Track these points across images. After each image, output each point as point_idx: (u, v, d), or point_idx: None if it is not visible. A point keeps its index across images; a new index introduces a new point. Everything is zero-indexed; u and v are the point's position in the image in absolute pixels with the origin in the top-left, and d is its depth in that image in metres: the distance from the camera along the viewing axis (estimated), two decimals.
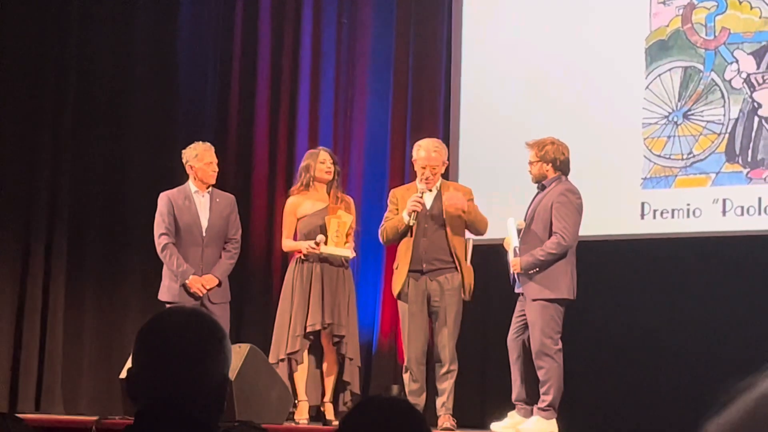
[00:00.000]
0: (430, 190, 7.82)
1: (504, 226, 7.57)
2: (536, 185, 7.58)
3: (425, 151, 7.82)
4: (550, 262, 7.31)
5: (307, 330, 7.89)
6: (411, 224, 7.72)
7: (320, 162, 8.15)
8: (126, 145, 9.90)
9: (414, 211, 7.69)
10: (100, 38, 9.99)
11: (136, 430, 2.49)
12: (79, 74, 9.94)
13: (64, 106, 9.88)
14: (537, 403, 7.29)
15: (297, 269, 8.03)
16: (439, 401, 7.71)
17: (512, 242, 7.36)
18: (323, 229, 7.97)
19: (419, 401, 7.71)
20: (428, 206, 7.79)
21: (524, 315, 7.40)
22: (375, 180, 9.60)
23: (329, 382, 7.97)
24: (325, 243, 7.93)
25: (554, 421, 7.26)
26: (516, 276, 7.42)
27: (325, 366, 8.00)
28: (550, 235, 7.36)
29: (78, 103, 9.89)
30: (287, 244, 8.18)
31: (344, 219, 8.01)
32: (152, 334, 2.55)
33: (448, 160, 8.15)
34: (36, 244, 9.69)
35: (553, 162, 7.48)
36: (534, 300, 7.31)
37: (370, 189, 9.59)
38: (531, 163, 7.53)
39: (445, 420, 7.62)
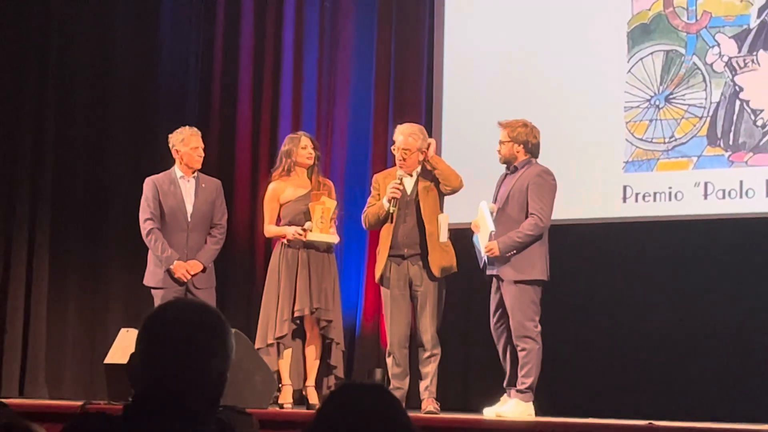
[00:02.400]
0: (410, 175, 7.83)
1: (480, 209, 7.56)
2: (505, 166, 7.58)
3: (402, 135, 7.84)
4: (527, 243, 7.31)
5: (295, 314, 7.89)
6: (391, 211, 7.72)
7: (302, 147, 8.14)
8: (108, 130, 9.90)
9: (393, 197, 7.70)
10: (82, 23, 9.97)
11: (131, 415, 2.52)
12: (61, 59, 9.93)
13: (46, 93, 9.86)
14: (515, 385, 7.31)
15: (282, 254, 8.02)
16: (422, 385, 7.72)
17: (489, 227, 7.36)
18: (307, 215, 7.97)
19: (402, 385, 7.73)
20: (408, 191, 7.80)
21: (502, 301, 7.40)
22: (358, 164, 9.61)
23: (312, 367, 7.97)
24: (311, 229, 7.94)
25: (531, 403, 7.28)
26: (487, 259, 7.42)
27: (308, 350, 8.01)
28: (526, 217, 7.37)
29: (60, 86, 9.88)
30: (270, 229, 8.16)
31: (328, 205, 8.01)
32: (157, 323, 2.57)
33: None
34: (19, 229, 9.69)
35: (525, 144, 7.47)
36: (511, 283, 7.32)
37: (352, 173, 9.60)
38: (501, 142, 7.52)
39: (429, 404, 7.64)
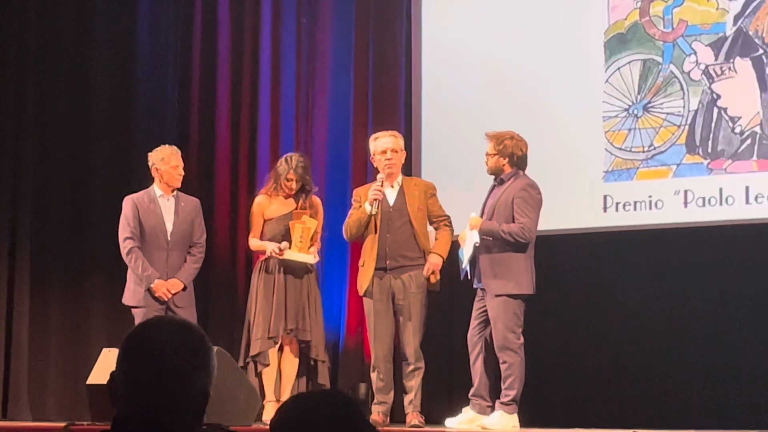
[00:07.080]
0: (392, 186, 7.83)
1: (466, 222, 7.54)
2: (493, 178, 7.58)
3: (391, 137, 7.88)
4: (504, 241, 7.27)
5: (270, 335, 7.93)
6: (373, 213, 7.70)
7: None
8: (87, 149, 9.85)
9: (375, 199, 7.68)
10: (59, 44, 9.95)
11: None
12: (39, 78, 9.89)
13: (25, 113, 9.82)
14: (499, 398, 7.31)
15: (261, 273, 8.07)
16: (406, 399, 7.72)
17: (474, 238, 7.35)
18: (287, 236, 8.01)
19: (387, 399, 7.73)
20: (391, 202, 7.80)
21: (484, 311, 7.39)
22: (337, 179, 9.60)
23: (286, 383, 8.00)
24: (289, 248, 7.96)
25: (515, 415, 7.28)
26: (468, 270, 7.42)
27: (283, 367, 8.02)
28: None
29: (39, 107, 9.84)
30: (254, 243, 8.21)
31: (308, 224, 8.03)
32: (139, 342, 2.53)
33: (409, 154, 8.18)
34: None
35: (510, 157, 7.46)
36: (496, 296, 7.31)
37: (332, 188, 9.57)
38: (488, 155, 7.52)
39: (413, 417, 7.63)
